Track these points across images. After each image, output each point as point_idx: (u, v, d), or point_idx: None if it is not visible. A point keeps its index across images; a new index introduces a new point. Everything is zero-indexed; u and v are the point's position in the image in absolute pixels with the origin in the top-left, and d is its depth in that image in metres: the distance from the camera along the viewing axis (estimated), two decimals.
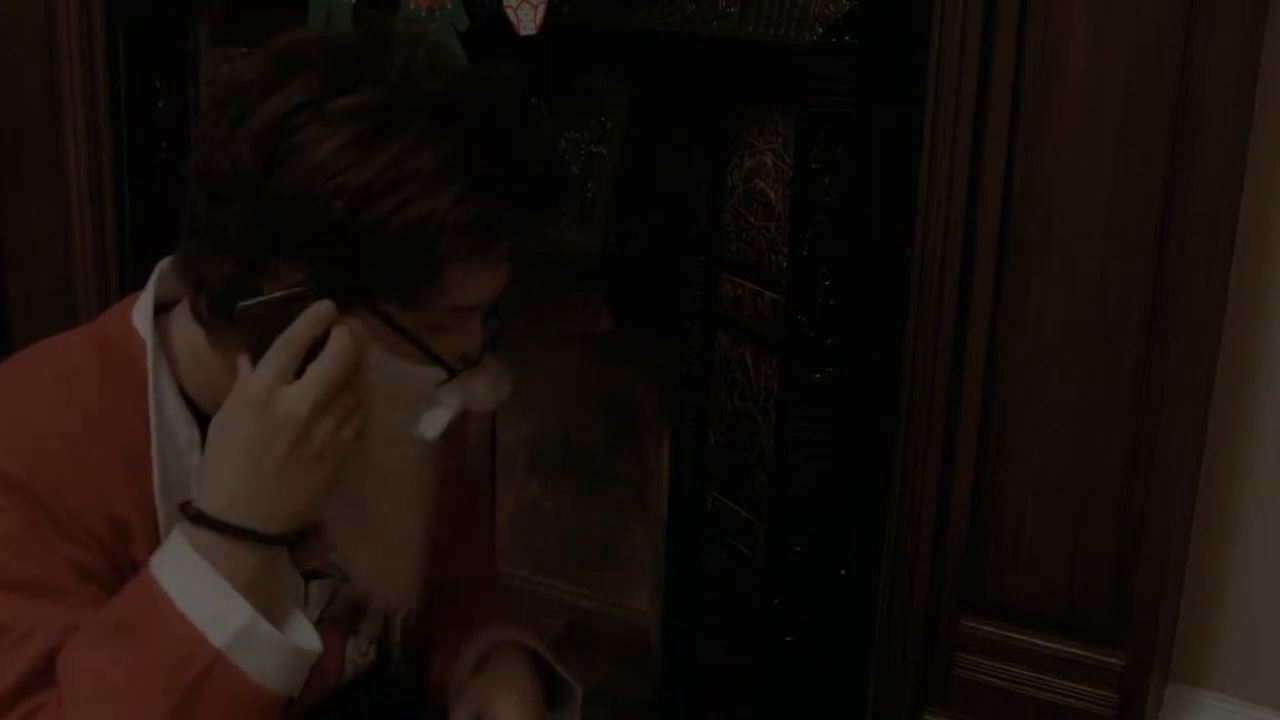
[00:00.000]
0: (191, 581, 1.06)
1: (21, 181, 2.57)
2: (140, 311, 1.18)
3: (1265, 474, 2.04)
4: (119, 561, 1.13)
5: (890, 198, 1.92)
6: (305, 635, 1.12)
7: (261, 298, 1.06)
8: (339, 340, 1.06)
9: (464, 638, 1.37)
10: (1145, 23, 1.75)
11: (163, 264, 1.19)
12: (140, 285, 1.21)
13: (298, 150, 1.03)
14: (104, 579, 1.11)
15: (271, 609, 1.10)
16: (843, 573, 2.02)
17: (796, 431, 1.96)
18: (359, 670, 1.33)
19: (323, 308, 1.05)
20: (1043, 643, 2.00)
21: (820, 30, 1.79)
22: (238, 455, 1.06)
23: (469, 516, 1.49)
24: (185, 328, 1.16)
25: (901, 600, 2.04)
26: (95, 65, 2.45)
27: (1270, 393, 2.01)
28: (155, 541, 1.13)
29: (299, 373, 1.06)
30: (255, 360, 1.06)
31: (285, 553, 1.10)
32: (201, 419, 1.16)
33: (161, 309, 1.19)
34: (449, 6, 2.04)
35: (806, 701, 2.05)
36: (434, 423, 1.16)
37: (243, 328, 1.07)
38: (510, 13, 1.98)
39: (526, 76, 2.09)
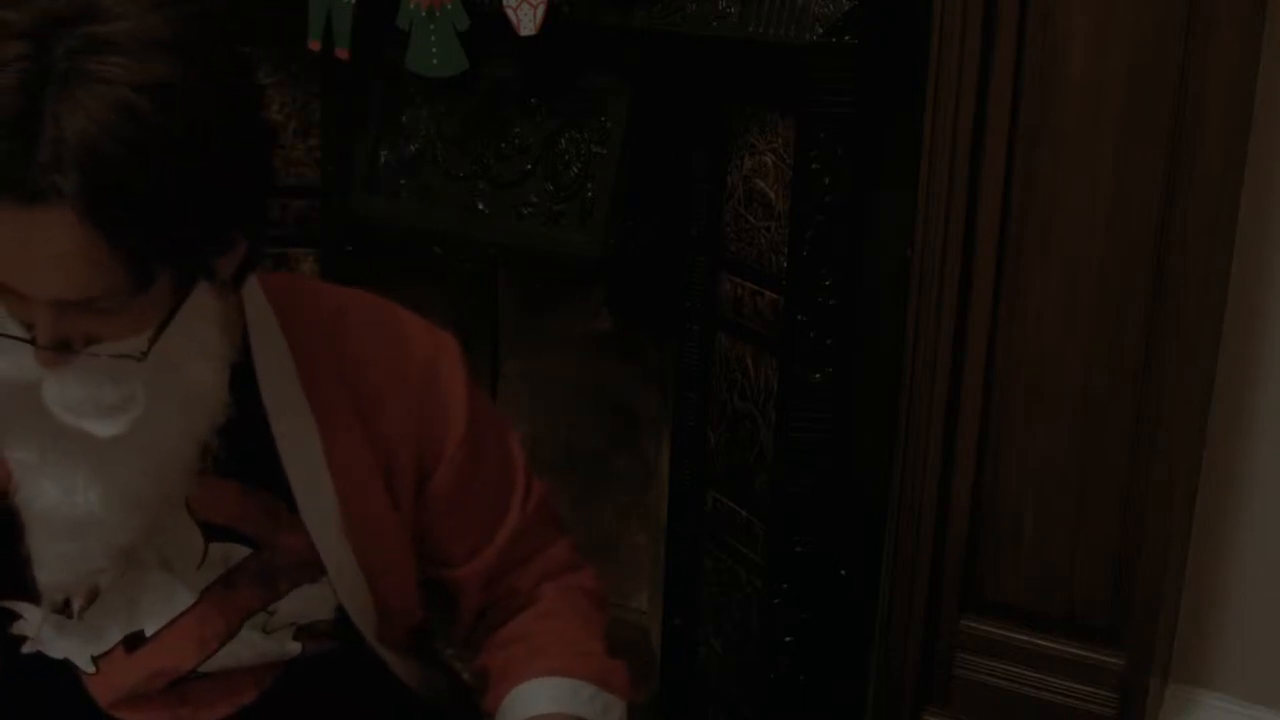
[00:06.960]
0: None
1: None
2: None
3: (1265, 474, 2.04)
4: None
5: (890, 198, 1.92)
6: None
7: None
8: None
9: (508, 669, 1.31)
10: (1145, 23, 1.75)
11: None
12: None
13: None
14: None
15: None
16: (843, 573, 2.02)
17: (796, 431, 1.96)
18: (280, 655, 1.26)
19: None
20: (1043, 643, 2.00)
21: (820, 30, 1.79)
22: None
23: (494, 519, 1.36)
24: None
25: (901, 600, 2.04)
26: None
27: (1270, 393, 2.01)
28: None
29: None
30: None
31: None
32: None
33: None
34: (449, 6, 2.04)
35: (806, 701, 2.05)
36: None
37: None
38: (510, 13, 1.98)
39: (526, 76, 2.10)
